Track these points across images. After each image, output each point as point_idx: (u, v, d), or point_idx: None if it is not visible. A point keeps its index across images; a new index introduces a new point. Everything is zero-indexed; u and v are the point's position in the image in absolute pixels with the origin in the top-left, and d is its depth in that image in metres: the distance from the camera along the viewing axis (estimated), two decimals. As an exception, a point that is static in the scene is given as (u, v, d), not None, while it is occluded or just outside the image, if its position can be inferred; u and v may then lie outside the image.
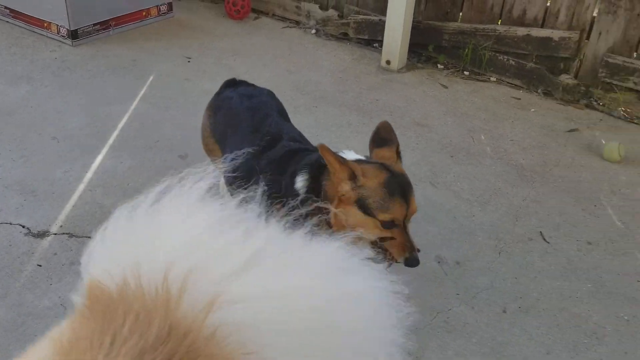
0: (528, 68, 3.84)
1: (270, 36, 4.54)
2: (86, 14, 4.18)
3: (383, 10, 4.09)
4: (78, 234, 2.49)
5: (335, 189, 1.66)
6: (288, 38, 4.52)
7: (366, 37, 4.42)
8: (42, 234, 2.48)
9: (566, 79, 3.74)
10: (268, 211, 1.79)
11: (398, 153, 1.74)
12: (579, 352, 2.11)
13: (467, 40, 4.00)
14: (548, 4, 3.70)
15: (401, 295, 0.88)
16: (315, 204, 1.74)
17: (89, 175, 2.84)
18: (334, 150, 1.75)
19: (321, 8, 4.62)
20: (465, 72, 4.09)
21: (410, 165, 3.09)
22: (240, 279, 0.67)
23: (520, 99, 3.80)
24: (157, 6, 4.63)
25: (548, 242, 2.61)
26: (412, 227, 2.60)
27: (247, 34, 4.55)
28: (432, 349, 2.08)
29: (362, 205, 1.62)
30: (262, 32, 4.59)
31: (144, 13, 4.56)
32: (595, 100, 3.69)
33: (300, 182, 1.79)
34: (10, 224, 2.53)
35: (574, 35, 3.64)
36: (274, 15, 4.86)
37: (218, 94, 2.38)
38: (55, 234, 2.49)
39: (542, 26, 3.76)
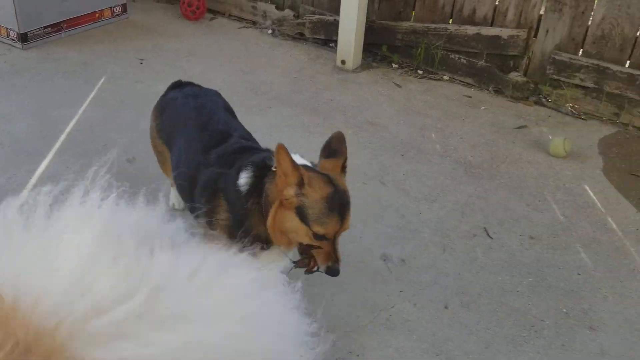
0: (479, 66, 3.90)
1: (226, 37, 4.52)
2: (36, 17, 4.11)
3: (338, 10, 4.10)
4: (19, 241, 2.45)
5: (279, 191, 1.67)
6: (244, 38, 4.51)
7: (322, 37, 4.43)
8: (-18, 242, 2.43)
9: (515, 76, 3.80)
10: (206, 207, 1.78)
11: (344, 166, 1.75)
12: (517, 345, 2.15)
13: (420, 39, 4.04)
14: (497, 3, 3.76)
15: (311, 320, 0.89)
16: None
17: (32, 181, 2.80)
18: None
19: (277, 8, 4.62)
20: (419, 71, 4.13)
21: (362, 164, 3.12)
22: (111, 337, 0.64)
23: (471, 97, 3.85)
24: (110, 7, 4.58)
25: (492, 238, 2.65)
26: (359, 228, 2.62)
27: (203, 34, 4.53)
28: (372, 347, 2.10)
29: (301, 213, 1.63)
30: (217, 33, 4.57)
31: (97, 15, 4.50)
32: (544, 97, 3.76)
33: (244, 178, 1.79)
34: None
35: (522, 34, 3.70)
36: (230, 15, 4.85)
37: (163, 95, 2.38)
38: (-5, 241, 2.44)
39: (491, 25, 3.82)
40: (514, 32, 3.72)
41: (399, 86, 3.96)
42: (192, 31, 4.58)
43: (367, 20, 4.08)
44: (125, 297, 0.67)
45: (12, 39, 4.09)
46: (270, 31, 4.62)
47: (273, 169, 1.74)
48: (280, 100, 3.70)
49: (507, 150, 3.30)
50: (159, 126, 2.27)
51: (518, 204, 2.87)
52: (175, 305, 0.70)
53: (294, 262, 1.76)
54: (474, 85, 3.96)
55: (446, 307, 2.29)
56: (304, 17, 4.46)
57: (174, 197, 2.59)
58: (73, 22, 4.34)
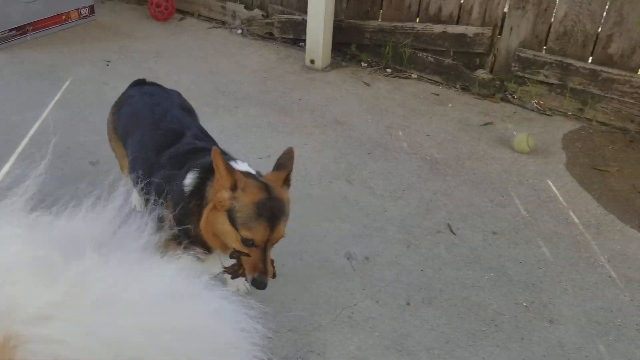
0: (446, 64, 3.93)
1: (194, 37, 4.50)
2: (1, 20, 4.05)
3: (306, 10, 4.11)
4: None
5: (215, 193, 1.68)
6: (213, 39, 4.50)
7: (291, 37, 4.44)
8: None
9: (482, 74, 3.84)
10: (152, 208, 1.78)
11: (288, 180, 1.75)
12: (477, 340, 2.18)
13: (388, 38, 4.06)
14: (462, 1, 3.79)
15: (255, 313, 0.88)
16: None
17: (-7, 185, 2.76)
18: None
19: (246, 8, 4.61)
20: (388, 70, 4.15)
21: (328, 163, 3.13)
22: (42, 323, 0.65)
23: (439, 94, 3.88)
24: (77, 9, 4.54)
25: (455, 234, 2.68)
26: (324, 227, 2.64)
27: (171, 35, 4.50)
28: (333, 345, 2.11)
29: (231, 216, 1.63)
30: (186, 33, 4.55)
31: (63, 17, 4.46)
32: (510, 94, 3.80)
33: (190, 179, 1.80)
34: None
35: (487, 31, 3.74)
36: (199, 15, 4.83)
37: (123, 93, 2.38)
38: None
39: (457, 23, 3.85)
40: (479, 30, 3.76)
41: (368, 85, 3.98)
42: (161, 32, 4.55)
43: (335, 20, 4.09)
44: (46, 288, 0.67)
45: (-24, 42, 4.04)
46: (239, 31, 4.61)
47: None
48: (248, 100, 3.69)
49: (473, 147, 3.33)
50: (115, 122, 2.28)
51: (482, 200, 2.90)
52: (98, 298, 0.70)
53: (224, 267, 1.75)
54: (442, 83, 3.99)
55: (408, 304, 2.31)
56: (273, 17, 4.46)
57: (135, 199, 2.57)
58: (39, 25, 4.29)
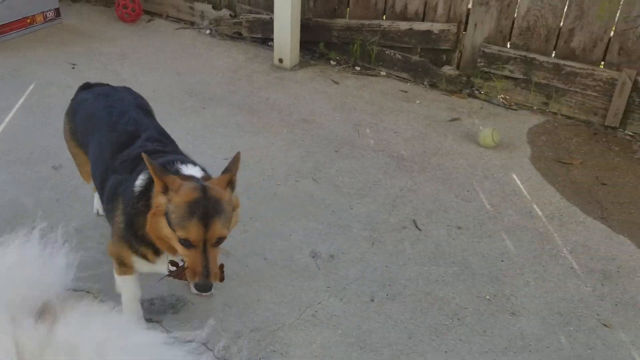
0: (413, 61, 3.95)
1: (162, 38, 4.47)
2: (-38, 23, 3.99)
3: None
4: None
5: (154, 197, 1.67)
6: (181, 39, 4.47)
7: (260, 36, 4.43)
8: None
9: (448, 70, 3.86)
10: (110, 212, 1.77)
11: (231, 182, 1.74)
12: (439, 334, 2.19)
13: (355, 36, 4.07)
14: (427, -2, 3.82)
15: None
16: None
17: (-48, 192, 2.72)
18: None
19: (214, 8, 4.59)
20: (356, 68, 4.16)
21: (295, 162, 3.13)
22: None
23: (407, 91, 3.90)
24: (42, 12, 4.48)
25: (420, 230, 2.69)
26: (289, 226, 2.63)
27: (139, 37, 4.47)
28: (297, 344, 2.11)
29: (168, 219, 1.62)
30: (154, 35, 4.52)
31: (28, 20, 4.40)
32: (477, 89, 3.83)
33: (140, 181, 1.79)
34: None
35: (452, 28, 3.77)
36: (168, 16, 4.80)
37: (74, 98, 2.33)
38: None
39: (422, 20, 3.87)
40: (445, 26, 3.78)
41: (337, 83, 3.98)
42: (128, 34, 4.51)
43: (302, 18, 4.09)
44: None
45: (-63, 47, 3.97)
46: (208, 31, 4.59)
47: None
48: (216, 101, 3.68)
49: (439, 143, 3.36)
50: (72, 129, 2.24)
51: (447, 195, 2.92)
52: None
53: (168, 271, 1.74)
54: (410, 80, 4.01)
55: (372, 300, 2.32)
56: (241, 17, 4.45)
57: (97, 203, 2.55)
58: (4, 29, 4.23)
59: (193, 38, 4.51)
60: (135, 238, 1.76)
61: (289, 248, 2.55)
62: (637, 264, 2.55)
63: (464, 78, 3.85)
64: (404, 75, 4.02)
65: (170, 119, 3.41)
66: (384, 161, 3.17)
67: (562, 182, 3.05)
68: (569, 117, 3.60)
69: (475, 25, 3.71)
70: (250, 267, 2.43)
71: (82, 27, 4.57)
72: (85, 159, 2.23)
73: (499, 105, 3.74)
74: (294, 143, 3.30)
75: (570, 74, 3.49)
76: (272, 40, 4.31)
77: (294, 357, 2.06)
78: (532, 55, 3.58)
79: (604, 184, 3.04)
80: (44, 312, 0.88)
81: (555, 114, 3.63)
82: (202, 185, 1.64)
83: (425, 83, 3.96)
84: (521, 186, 3.01)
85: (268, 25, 4.29)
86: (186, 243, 1.61)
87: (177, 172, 1.75)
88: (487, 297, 2.36)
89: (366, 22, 4.02)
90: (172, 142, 2.11)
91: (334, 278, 2.41)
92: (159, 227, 1.65)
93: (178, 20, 4.76)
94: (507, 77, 3.71)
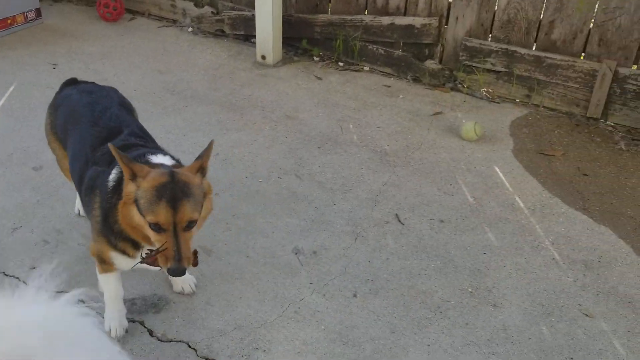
0: (396, 56, 3.95)
1: (144, 37, 4.44)
2: (-60, 25, 3.94)
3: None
4: None
5: (125, 186, 1.68)
6: (163, 38, 4.44)
7: (242, 33, 4.41)
8: None
9: (431, 64, 3.87)
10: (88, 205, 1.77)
11: (202, 168, 1.74)
12: (422, 327, 2.20)
13: (338, 31, 4.06)
14: (408, -8, 3.81)
15: None
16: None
17: None
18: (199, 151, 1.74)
19: (196, 5, 4.56)
20: (340, 63, 4.16)
21: (278, 158, 3.12)
22: None
23: (390, 86, 3.90)
24: (23, 13, 4.44)
25: (403, 224, 2.70)
26: (272, 223, 2.62)
27: (120, 36, 4.43)
28: (279, 341, 2.11)
29: (137, 205, 1.63)
30: (136, 33, 4.49)
31: (9, 21, 4.35)
32: (460, 83, 3.84)
33: (113, 174, 1.80)
34: None
35: (434, 22, 3.77)
36: (150, 15, 4.76)
37: (58, 92, 2.33)
38: None
39: (404, 14, 3.87)
40: (426, 20, 3.78)
41: (320, 79, 3.98)
42: (110, 33, 4.48)
43: (284, 14, 4.08)
44: None
45: None
46: (190, 29, 4.57)
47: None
48: (197, 99, 3.66)
49: (422, 137, 3.36)
50: (53, 123, 2.24)
51: (430, 189, 2.93)
52: None
53: (142, 258, 1.75)
54: (393, 75, 4.01)
55: (355, 296, 2.32)
56: (223, 14, 4.43)
57: (79, 203, 2.54)
58: (-18, 29, 4.19)
59: (175, 36, 4.48)
60: (112, 233, 1.76)
61: (272, 245, 2.55)
62: (618, 254, 2.57)
63: (447, 72, 3.85)
64: (387, 70, 4.02)
65: (152, 118, 3.39)
66: (367, 156, 3.17)
67: (544, 174, 3.07)
68: (551, 109, 3.62)
69: (457, 18, 3.72)
70: (233, 264, 2.42)
71: (64, 26, 4.53)
72: (63, 154, 2.23)
73: (481, 98, 3.75)
74: (276, 140, 3.29)
75: (551, 66, 3.51)
76: (254, 37, 4.30)
77: (276, 354, 2.06)
78: (513, 48, 3.59)
79: (586, 175, 3.06)
80: None
81: (538, 106, 3.65)
82: (171, 171, 1.65)
83: (408, 77, 3.96)
84: (503, 179, 3.02)
85: (250, 22, 4.28)
86: (156, 227, 1.61)
87: (147, 162, 1.76)
88: (470, 289, 2.37)
89: (348, 17, 4.01)
90: (152, 140, 2.10)
91: (316, 274, 2.41)
92: (130, 215, 1.66)
93: (160, 18, 4.73)
94: (489, 71, 3.72)
